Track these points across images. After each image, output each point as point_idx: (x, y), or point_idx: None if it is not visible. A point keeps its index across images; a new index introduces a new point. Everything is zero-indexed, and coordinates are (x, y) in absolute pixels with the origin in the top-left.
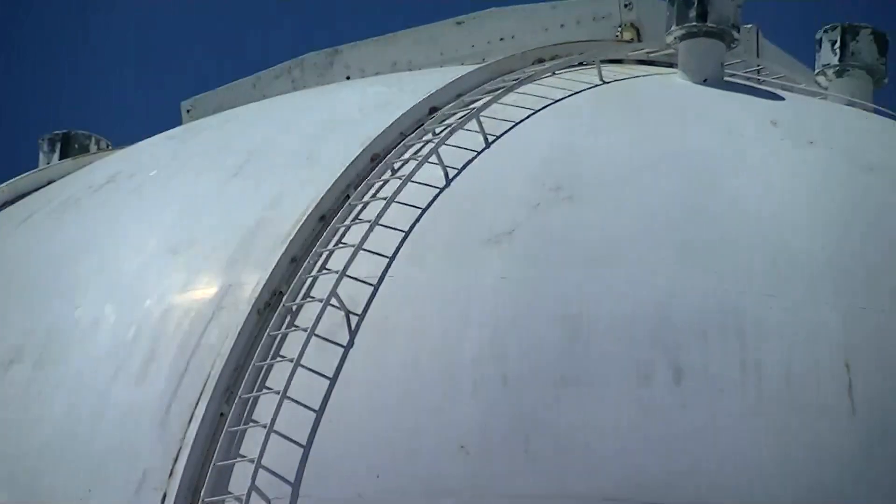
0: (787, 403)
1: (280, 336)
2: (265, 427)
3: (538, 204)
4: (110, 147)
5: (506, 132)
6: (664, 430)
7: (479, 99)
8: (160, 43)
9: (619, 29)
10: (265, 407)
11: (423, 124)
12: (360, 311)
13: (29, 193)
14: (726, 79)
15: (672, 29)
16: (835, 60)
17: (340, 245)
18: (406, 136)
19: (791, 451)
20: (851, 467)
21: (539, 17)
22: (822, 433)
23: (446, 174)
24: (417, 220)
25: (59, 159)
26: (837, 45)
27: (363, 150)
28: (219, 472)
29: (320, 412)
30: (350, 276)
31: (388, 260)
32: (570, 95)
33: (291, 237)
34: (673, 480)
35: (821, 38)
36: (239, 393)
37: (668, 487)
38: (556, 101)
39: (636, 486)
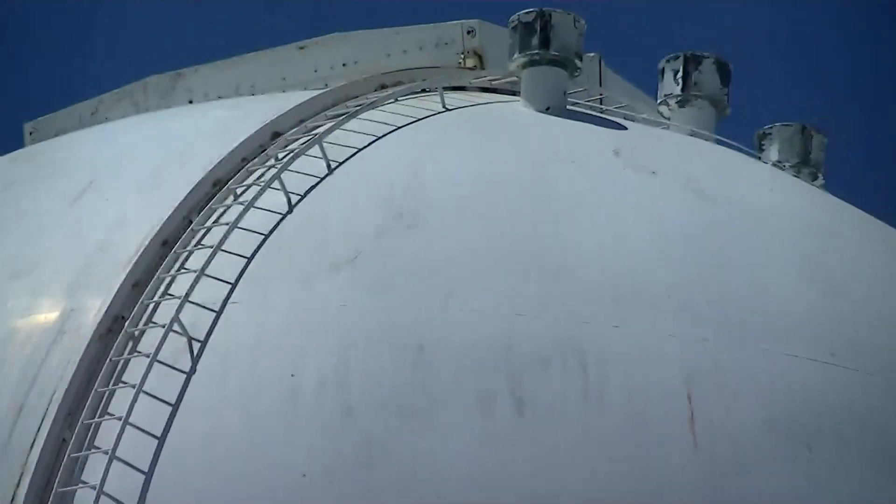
0: (629, 434)
1: (122, 362)
2: (107, 453)
3: (381, 231)
4: None
5: (349, 158)
6: (506, 459)
7: (322, 124)
8: (1, 62)
9: (462, 56)
10: (107, 433)
11: (265, 149)
12: (202, 338)
13: None
14: (569, 107)
15: (515, 56)
16: (677, 90)
17: (183, 270)
18: (248, 162)
19: (633, 482)
20: (693, 497)
21: (381, 42)
22: (663, 464)
23: (289, 200)
24: (260, 246)
25: None
26: (680, 74)
27: (205, 175)
28: (61, 499)
29: (162, 438)
30: (192, 302)
31: (230, 286)
32: (412, 122)
33: (133, 262)
34: None
35: (663, 68)
36: (81, 418)
37: None
38: (399, 128)
39: None
